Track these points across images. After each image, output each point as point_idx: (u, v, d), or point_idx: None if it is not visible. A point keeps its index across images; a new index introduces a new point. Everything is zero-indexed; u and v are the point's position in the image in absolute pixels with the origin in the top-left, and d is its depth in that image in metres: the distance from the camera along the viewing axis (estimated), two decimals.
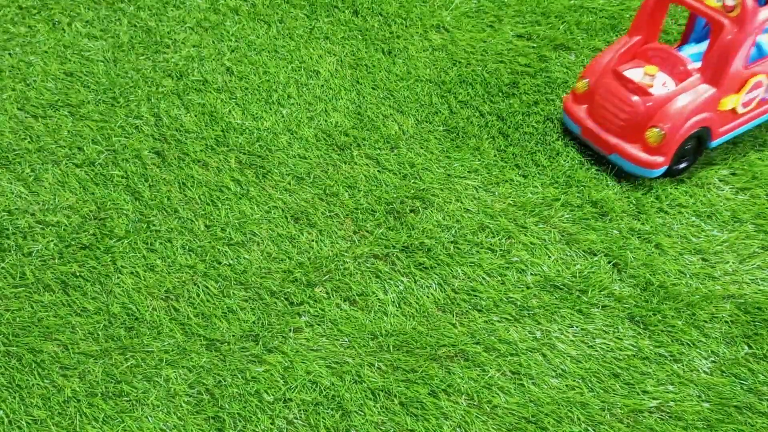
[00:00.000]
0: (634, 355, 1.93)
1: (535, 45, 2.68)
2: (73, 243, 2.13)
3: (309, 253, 2.12)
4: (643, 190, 2.25)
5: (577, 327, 1.98)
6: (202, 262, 2.10)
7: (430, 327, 1.97)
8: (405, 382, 1.87)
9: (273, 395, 1.85)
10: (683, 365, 1.91)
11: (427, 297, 2.03)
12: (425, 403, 1.84)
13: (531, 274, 2.07)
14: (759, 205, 2.23)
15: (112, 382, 1.87)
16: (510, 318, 1.99)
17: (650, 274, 2.07)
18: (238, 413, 1.82)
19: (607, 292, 2.04)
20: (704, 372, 1.90)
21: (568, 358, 1.92)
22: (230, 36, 2.71)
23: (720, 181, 2.29)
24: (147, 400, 1.84)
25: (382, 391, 1.86)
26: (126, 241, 2.13)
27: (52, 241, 2.13)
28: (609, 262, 2.10)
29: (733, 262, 2.10)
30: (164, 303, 2.02)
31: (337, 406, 1.84)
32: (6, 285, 2.05)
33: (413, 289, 2.04)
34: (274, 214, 2.20)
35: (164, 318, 1.98)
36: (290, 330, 1.97)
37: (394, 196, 2.25)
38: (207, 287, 2.04)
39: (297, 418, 1.82)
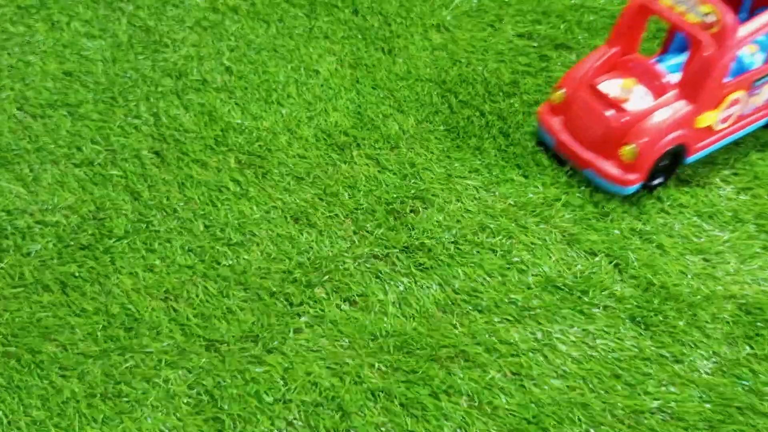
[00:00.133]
0: (635, 356, 1.92)
1: (535, 44, 2.68)
2: (72, 243, 2.12)
3: (309, 253, 2.11)
4: (644, 190, 2.24)
5: (578, 327, 1.97)
6: (202, 262, 2.09)
7: (430, 328, 1.97)
8: (405, 383, 1.87)
9: (273, 396, 1.84)
10: (684, 366, 1.91)
11: (428, 297, 2.02)
12: (426, 404, 1.83)
13: (532, 274, 2.07)
14: (761, 206, 2.22)
15: (111, 382, 1.87)
16: (511, 318, 1.98)
17: (651, 275, 2.06)
18: (237, 414, 1.82)
19: (609, 293, 2.03)
20: (706, 373, 1.90)
21: (569, 359, 1.91)
22: (229, 35, 2.70)
23: (721, 181, 2.29)
24: (146, 401, 1.84)
25: (382, 392, 1.85)
26: (125, 242, 2.12)
27: (51, 241, 2.13)
28: (610, 263, 2.09)
29: (734, 263, 2.10)
30: (163, 303, 2.01)
31: (337, 407, 1.83)
32: (5, 285, 2.04)
33: (413, 290, 2.04)
34: (274, 214, 2.20)
35: (163, 318, 1.97)
36: (290, 331, 1.96)
37: (395, 196, 2.24)
38: (206, 288, 2.04)
39: (297, 419, 1.81)
